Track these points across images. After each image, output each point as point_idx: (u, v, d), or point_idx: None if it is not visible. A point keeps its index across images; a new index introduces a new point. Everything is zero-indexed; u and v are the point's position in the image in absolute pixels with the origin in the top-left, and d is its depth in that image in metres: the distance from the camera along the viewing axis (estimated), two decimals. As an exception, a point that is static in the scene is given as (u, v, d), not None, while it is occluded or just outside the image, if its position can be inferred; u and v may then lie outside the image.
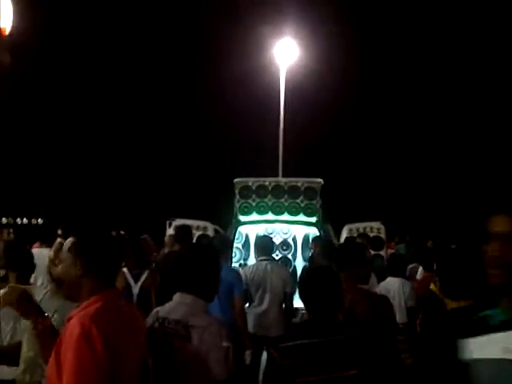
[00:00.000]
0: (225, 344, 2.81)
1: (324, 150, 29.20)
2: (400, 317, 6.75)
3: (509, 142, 24.02)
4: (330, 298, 3.00)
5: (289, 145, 20.32)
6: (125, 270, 5.77)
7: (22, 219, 23.89)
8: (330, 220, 10.58)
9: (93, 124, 31.83)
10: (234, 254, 8.79)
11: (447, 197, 26.98)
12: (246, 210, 10.01)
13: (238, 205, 10.00)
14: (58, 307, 3.27)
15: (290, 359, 2.78)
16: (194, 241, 8.69)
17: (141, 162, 30.99)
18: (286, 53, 20.24)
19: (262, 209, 9.93)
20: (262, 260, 6.51)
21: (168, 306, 3.02)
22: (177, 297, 3.01)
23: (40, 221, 24.91)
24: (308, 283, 3.10)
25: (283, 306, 6.48)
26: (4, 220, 22.94)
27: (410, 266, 9.36)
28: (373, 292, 5.27)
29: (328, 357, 2.79)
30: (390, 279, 6.99)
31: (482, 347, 1.88)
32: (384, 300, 4.43)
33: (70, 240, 2.49)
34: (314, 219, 9.75)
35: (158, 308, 3.12)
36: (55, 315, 3.19)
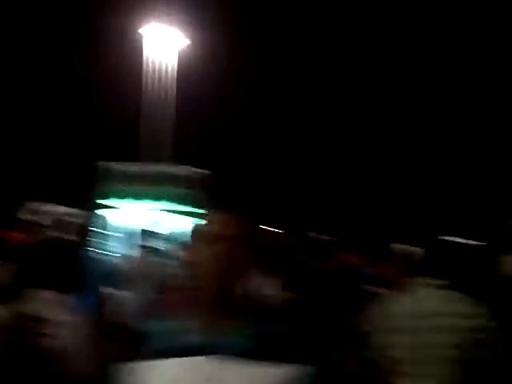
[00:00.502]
0: (86, 339, 2.77)
1: (215, 141, 28.99)
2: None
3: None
4: None
5: (181, 135, 19.98)
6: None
7: None
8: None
9: None
10: (93, 240, 8.38)
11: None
12: (107, 194, 9.70)
13: (99, 189, 9.67)
14: None
15: None
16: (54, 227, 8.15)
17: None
18: (162, 38, 19.94)
19: (122, 194, 9.67)
20: (139, 249, 6.25)
21: (27, 302, 2.92)
22: (35, 293, 2.93)
23: None
24: None
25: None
26: None
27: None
28: None
29: None
30: None
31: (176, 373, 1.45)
32: None
33: None
34: (193, 209, 9.64)
35: (14, 304, 2.97)
36: None
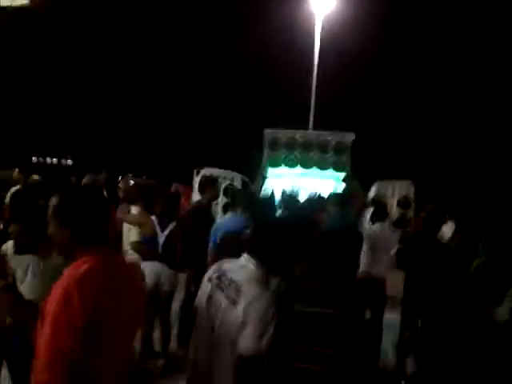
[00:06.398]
0: (269, 319, 2.52)
1: (357, 103, 28.66)
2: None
3: None
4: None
5: (321, 96, 19.91)
6: (153, 217, 5.74)
7: (51, 159, 24.07)
8: (359, 176, 10.43)
9: (125, 72, 31.80)
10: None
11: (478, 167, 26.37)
12: (274, 162, 9.97)
13: (266, 156, 9.96)
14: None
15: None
16: (221, 191, 8.66)
17: (173, 111, 30.96)
18: (322, 1, 19.68)
19: (290, 162, 9.86)
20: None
21: (232, 263, 2.83)
22: (243, 258, 2.79)
23: (69, 162, 25.03)
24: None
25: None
26: (34, 159, 23.21)
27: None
28: None
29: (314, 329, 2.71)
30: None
31: None
32: None
33: (52, 202, 2.43)
34: (342, 174, 9.67)
35: (225, 260, 2.92)
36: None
